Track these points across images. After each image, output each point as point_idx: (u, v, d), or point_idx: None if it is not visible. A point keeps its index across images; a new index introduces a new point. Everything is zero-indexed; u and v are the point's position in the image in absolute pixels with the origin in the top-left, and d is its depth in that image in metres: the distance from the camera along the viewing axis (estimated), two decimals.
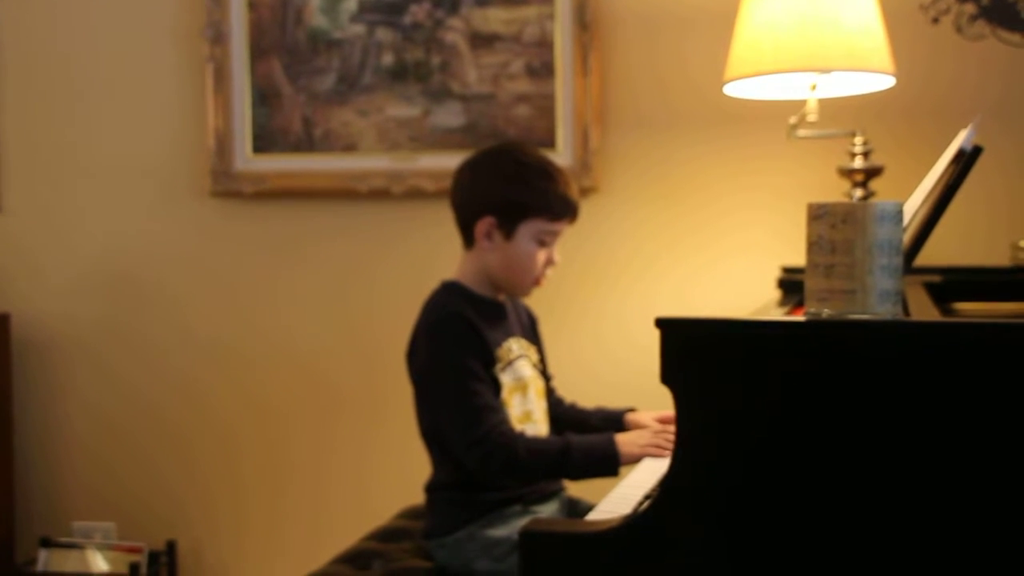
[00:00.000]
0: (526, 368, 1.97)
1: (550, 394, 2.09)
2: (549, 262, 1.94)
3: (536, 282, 1.95)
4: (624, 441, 1.79)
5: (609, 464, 1.78)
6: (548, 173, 1.90)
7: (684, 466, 1.16)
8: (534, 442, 1.82)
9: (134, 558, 2.71)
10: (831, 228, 1.16)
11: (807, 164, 2.58)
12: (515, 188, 1.89)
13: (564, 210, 1.91)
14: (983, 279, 2.20)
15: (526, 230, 1.89)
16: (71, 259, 2.93)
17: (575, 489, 2.05)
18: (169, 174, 2.88)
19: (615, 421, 2.03)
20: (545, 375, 2.09)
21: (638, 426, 1.98)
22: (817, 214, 1.17)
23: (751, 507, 1.14)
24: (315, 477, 2.86)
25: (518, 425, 1.88)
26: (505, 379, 1.89)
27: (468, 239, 1.96)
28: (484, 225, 1.91)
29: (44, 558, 2.76)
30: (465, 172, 1.97)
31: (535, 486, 1.92)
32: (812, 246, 1.18)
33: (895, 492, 1.11)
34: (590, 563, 1.19)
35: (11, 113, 2.93)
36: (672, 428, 1.80)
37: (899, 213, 1.17)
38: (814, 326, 1.15)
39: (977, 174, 1.42)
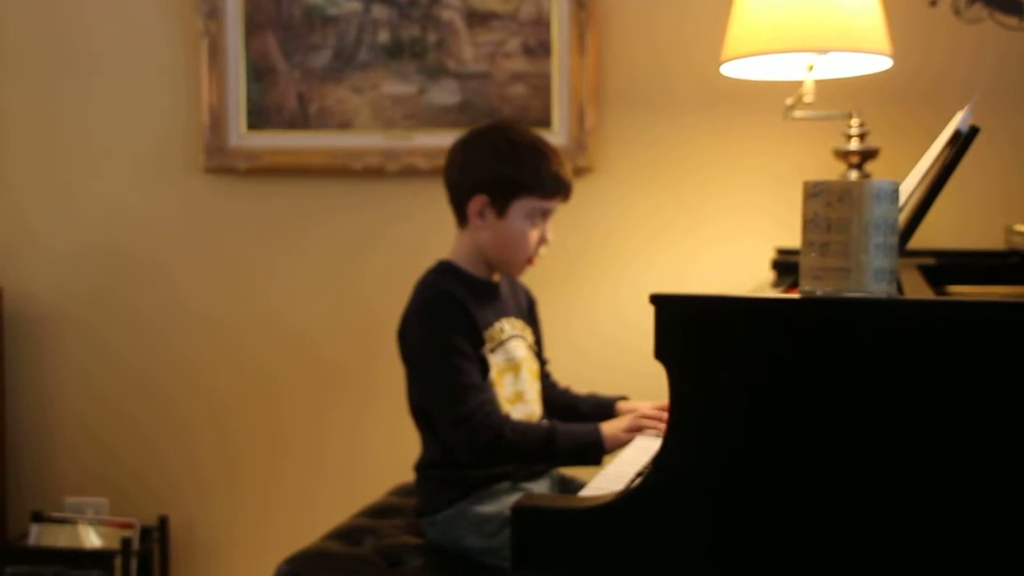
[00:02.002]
0: (519, 348, 1.97)
1: (544, 378, 2.10)
2: (542, 240, 1.94)
3: (529, 260, 1.95)
4: (608, 428, 1.81)
5: (593, 452, 1.80)
6: (541, 151, 1.90)
7: (677, 442, 1.16)
8: (520, 425, 1.83)
9: (126, 533, 2.71)
10: (827, 206, 1.16)
11: (803, 145, 2.58)
12: (508, 166, 1.89)
13: (557, 188, 1.91)
14: (977, 262, 2.20)
15: (519, 208, 1.89)
16: (64, 234, 2.92)
17: (566, 468, 2.06)
18: (163, 150, 2.87)
19: (606, 408, 2.04)
20: (540, 357, 2.09)
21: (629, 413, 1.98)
22: (813, 192, 1.17)
23: (744, 483, 1.14)
24: (308, 454, 2.86)
25: (507, 406, 1.89)
26: (495, 359, 1.89)
27: (461, 218, 1.96)
28: (477, 203, 1.91)
29: (36, 533, 2.76)
30: (458, 151, 1.97)
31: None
32: (808, 224, 1.18)
33: (887, 469, 1.11)
34: (583, 539, 1.19)
35: (5, 87, 2.91)
36: (653, 412, 1.83)
37: (895, 192, 1.17)
38: (808, 304, 1.15)
39: (972, 157, 1.41)
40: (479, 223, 1.92)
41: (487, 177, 1.90)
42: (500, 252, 1.93)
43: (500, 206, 1.90)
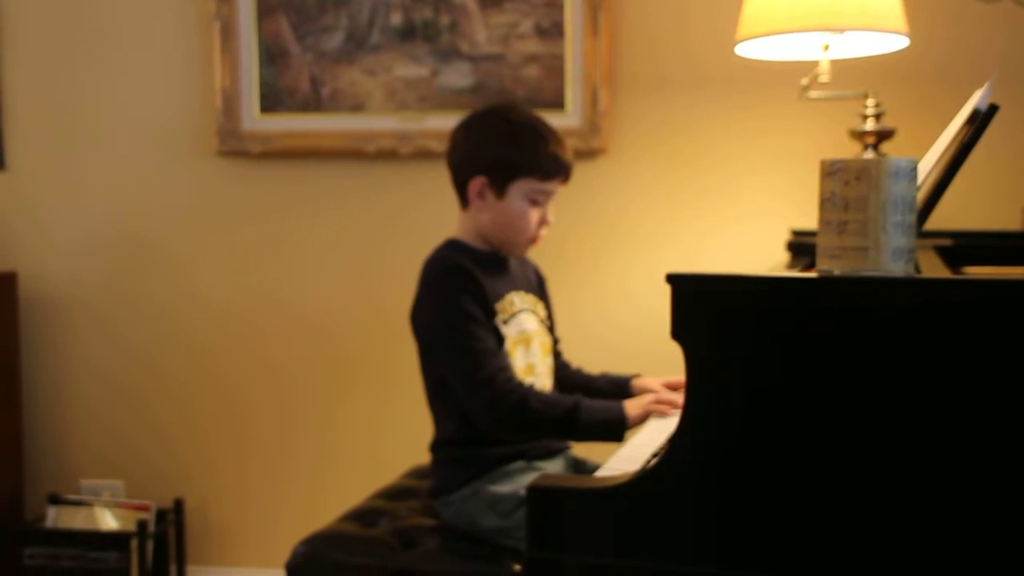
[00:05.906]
0: (530, 322, 1.97)
1: (557, 357, 2.10)
2: (543, 222, 1.95)
3: (531, 241, 1.96)
4: (630, 405, 1.81)
5: (616, 429, 1.79)
6: (539, 132, 1.91)
7: (693, 422, 1.16)
8: (545, 396, 1.83)
9: (142, 515, 2.73)
10: (844, 184, 1.15)
11: (819, 126, 2.56)
12: (505, 148, 1.90)
13: (555, 170, 1.91)
14: (994, 243, 2.18)
15: (517, 189, 1.90)
16: (77, 217, 2.93)
17: (580, 449, 2.05)
18: (176, 133, 2.87)
19: (621, 386, 2.04)
20: (552, 334, 2.09)
21: (645, 391, 1.99)
22: (830, 170, 1.16)
23: (761, 463, 1.14)
24: (321, 438, 2.86)
25: (520, 377, 1.89)
26: (508, 331, 1.90)
27: (463, 198, 1.97)
28: (476, 184, 1.92)
29: (53, 515, 2.78)
30: (459, 133, 1.98)
31: (538, 442, 1.92)
32: (825, 203, 1.17)
33: (904, 447, 1.10)
34: (599, 519, 1.19)
35: (17, 71, 2.92)
36: (671, 396, 1.83)
37: (913, 169, 1.16)
38: (826, 283, 1.14)
39: (989, 138, 1.40)
40: (479, 204, 1.93)
41: (486, 158, 1.91)
42: (500, 233, 1.94)
43: (499, 187, 1.91)
